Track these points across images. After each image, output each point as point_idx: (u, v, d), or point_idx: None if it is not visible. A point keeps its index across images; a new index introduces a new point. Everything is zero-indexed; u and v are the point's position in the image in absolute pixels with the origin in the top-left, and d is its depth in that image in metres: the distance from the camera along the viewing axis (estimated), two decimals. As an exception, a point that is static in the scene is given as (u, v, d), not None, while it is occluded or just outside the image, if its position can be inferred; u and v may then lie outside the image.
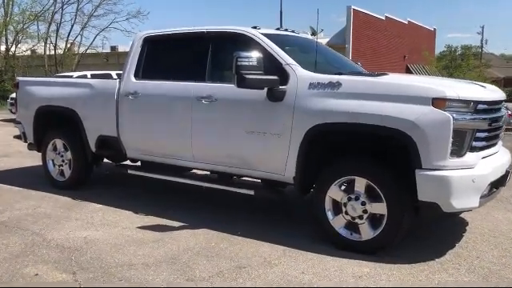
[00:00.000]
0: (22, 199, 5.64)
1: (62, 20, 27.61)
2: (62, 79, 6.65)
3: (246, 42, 4.52)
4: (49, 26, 26.91)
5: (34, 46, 27.84)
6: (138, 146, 5.36)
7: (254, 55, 4.06)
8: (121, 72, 15.24)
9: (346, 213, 3.97)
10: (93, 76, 14.04)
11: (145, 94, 5.15)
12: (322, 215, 4.09)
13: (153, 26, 50.13)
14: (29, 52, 27.70)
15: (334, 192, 4.02)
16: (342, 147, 4.12)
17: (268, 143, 4.28)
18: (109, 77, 13.55)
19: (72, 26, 27.94)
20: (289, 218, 4.95)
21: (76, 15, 27.72)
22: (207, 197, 5.59)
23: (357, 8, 24.73)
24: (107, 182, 6.55)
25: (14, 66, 24.93)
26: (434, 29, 38.33)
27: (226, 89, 4.55)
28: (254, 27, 4.76)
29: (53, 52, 27.02)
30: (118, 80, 5.47)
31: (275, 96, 4.18)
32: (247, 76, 3.99)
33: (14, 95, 17.11)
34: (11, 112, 16.07)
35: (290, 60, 4.30)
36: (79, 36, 28.41)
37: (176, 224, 4.68)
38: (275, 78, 4.14)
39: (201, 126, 4.74)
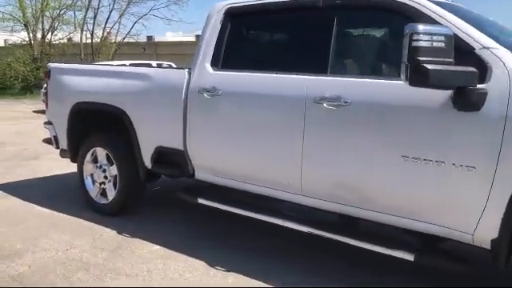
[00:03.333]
0: (51, 230, 4.12)
1: (100, 5, 26.39)
2: (108, 67, 5.06)
3: (403, 15, 2.82)
4: (86, 12, 25.74)
5: (70, 33, 26.77)
6: (213, 164, 3.74)
7: (442, 32, 2.36)
8: (161, 62, 13.16)
9: None
10: (132, 66, 12.61)
11: (228, 92, 3.52)
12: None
13: (193, 14, 48.52)
14: (65, 40, 26.68)
15: None
16: None
17: (447, 179, 2.57)
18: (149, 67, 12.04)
19: (110, 13, 26.71)
20: None
21: (114, 1, 26.46)
22: (311, 242, 3.90)
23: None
24: (161, 203, 4.97)
25: (50, 53, 23.87)
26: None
27: (371, 86, 2.88)
28: (409, -9, 3.04)
29: (89, 40, 25.86)
30: (186, 70, 3.85)
31: (468, 101, 2.47)
32: (431, 67, 2.30)
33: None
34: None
35: (489, 42, 2.57)
36: (117, 23, 27.17)
37: (279, 293, 3.06)
38: (473, 70, 2.43)
39: (319, 143, 3.08)
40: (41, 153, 7.72)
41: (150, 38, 33.10)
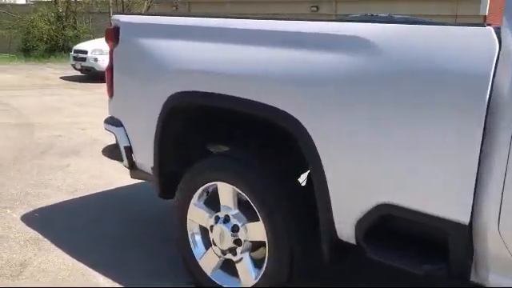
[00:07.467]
0: None
1: (131, -43, 23.78)
2: (252, 23, 2.30)
3: None
4: (115, -35, 23.20)
5: (97, -11, 24.41)
6: None
7: None
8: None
9: None
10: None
11: None
12: None
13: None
14: (91, -4, 24.35)
15: None
16: None
17: None
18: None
19: (142, -35, 24.10)
20: None
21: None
22: None
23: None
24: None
25: (77, 11, 21.67)
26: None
27: None
28: None
29: (118, -3, 23.46)
30: (492, 29, 1.54)
31: None
32: None
33: (81, 46, 13.48)
34: (74, 68, 12.79)
35: None
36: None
37: None
38: None
39: None
40: (81, 143, 5.61)
41: (177, -5, 30.47)
